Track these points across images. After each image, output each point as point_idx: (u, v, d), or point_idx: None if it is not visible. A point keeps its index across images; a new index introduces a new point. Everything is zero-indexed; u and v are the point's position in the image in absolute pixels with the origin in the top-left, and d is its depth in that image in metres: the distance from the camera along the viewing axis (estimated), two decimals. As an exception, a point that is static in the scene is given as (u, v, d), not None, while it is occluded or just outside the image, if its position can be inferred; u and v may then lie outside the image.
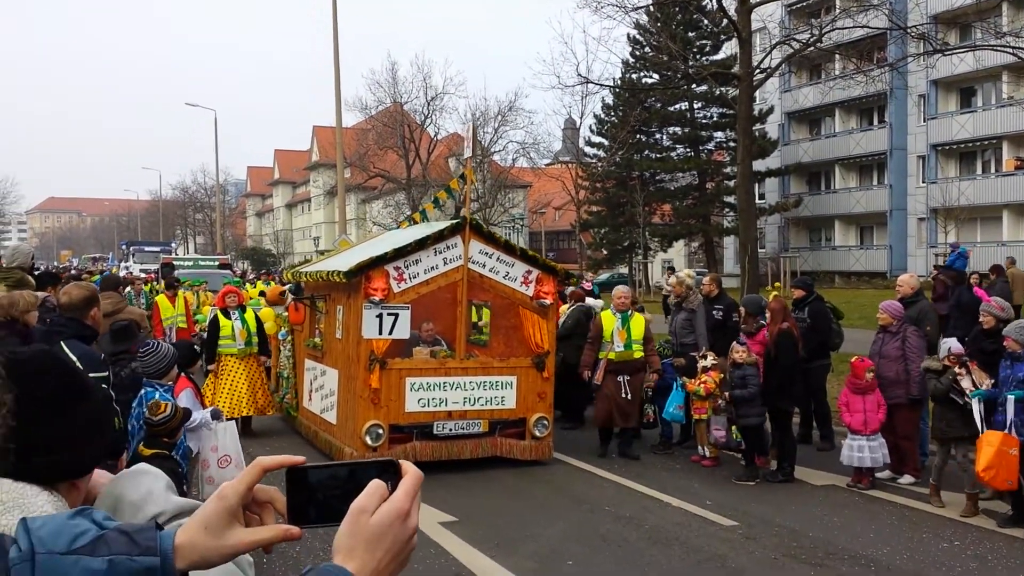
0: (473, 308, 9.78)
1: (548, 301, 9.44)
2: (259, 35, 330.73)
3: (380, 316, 8.68)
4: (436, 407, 8.95)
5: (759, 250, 26.86)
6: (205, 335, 12.17)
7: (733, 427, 9.28)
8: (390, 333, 8.75)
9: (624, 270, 48.10)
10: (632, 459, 9.63)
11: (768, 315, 9.27)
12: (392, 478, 1.13)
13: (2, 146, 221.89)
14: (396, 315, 8.75)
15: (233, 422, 6.99)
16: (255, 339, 11.16)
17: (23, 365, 1.35)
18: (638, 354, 9.72)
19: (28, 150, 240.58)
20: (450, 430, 8.98)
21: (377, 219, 52.86)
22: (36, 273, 9.07)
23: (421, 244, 8.87)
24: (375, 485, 1.11)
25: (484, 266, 9.14)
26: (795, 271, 38.77)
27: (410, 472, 1.13)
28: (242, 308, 11.33)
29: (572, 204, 44.61)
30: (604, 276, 45.69)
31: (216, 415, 6.77)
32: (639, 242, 43.64)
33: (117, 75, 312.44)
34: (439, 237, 8.95)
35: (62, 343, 4.89)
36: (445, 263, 9.01)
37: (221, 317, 11.11)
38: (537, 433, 9.27)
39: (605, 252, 47.92)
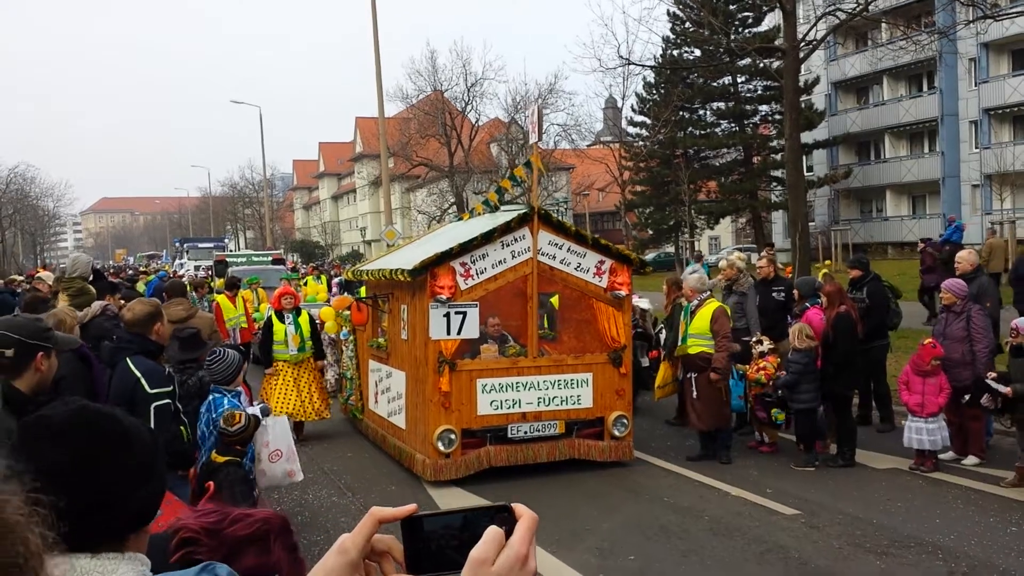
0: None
1: (623, 292, 8.92)
2: (300, 29, 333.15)
3: (447, 315, 8.32)
4: (509, 409, 8.53)
5: (808, 223, 26.41)
6: (260, 336, 11.89)
7: (773, 409, 9.16)
8: (458, 333, 8.39)
9: (671, 249, 47.73)
10: (724, 461, 8.94)
11: (824, 299, 9.12)
12: (507, 521, 1.14)
13: (56, 150, 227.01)
14: (464, 313, 8.38)
15: (284, 417, 7.06)
16: (309, 343, 10.86)
17: (56, 427, 1.37)
18: (693, 350, 9.09)
19: (80, 153, 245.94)
20: (525, 433, 8.55)
21: (421, 207, 53.09)
22: (95, 281, 9.29)
23: (487, 237, 8.43)
24: (493, 533, 1.11)
25: (554, 258, 8.70)
26: (846, 244, 38.16)
27: (525, 516, 1.13)
28: (297, 311, 11.01)
29: (616, 185, 44.29)
30: (651, 256, 45.40)
31: (265, 411, 6.88)
32: (685, 220, 43.24)
33: (165, 75, 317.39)
34: (506, 229, 8.51)
35: (128, 359, 5.03)
36: (513, 256, 8.58)
37: (275, 321, 10.83)
38: (616, 432, 8.78)
39: (651, 232, 47.56)
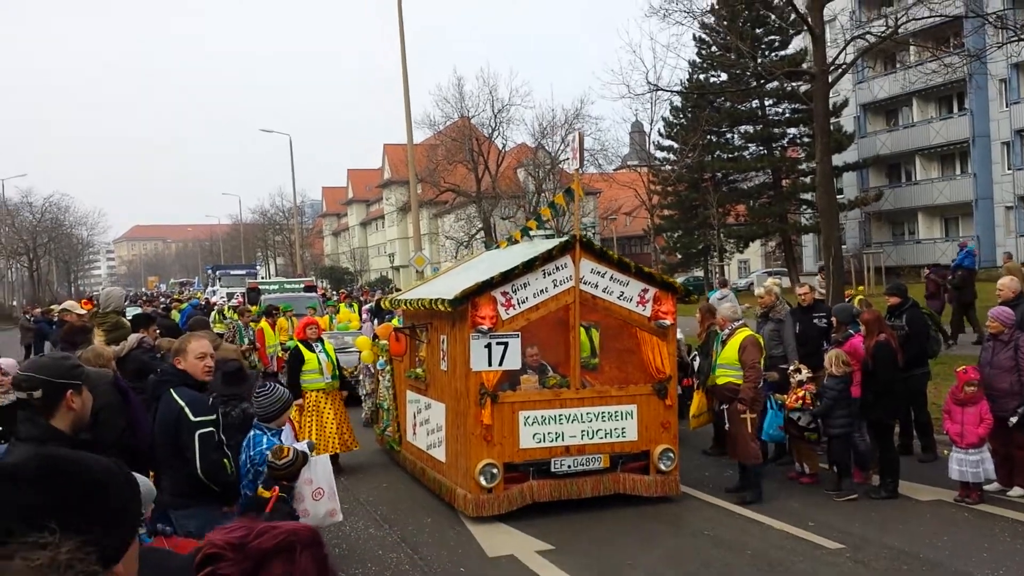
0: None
1: (668, 321, 8.70)
2: (328, 57, 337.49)
3: (489, 346, 8.13)
4: (553, 442, 8.31)
5: (841, 247, 26.21)
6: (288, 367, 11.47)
7: (805, 432, 9.03)
8: (500, 364, 8.19)
9: (700, 273, 47.51)
10: (747, 501, 8.56)
11: (863, 327, 9.01)
12: None
13: (90, 179, 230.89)
14: (506, 344, 8.19)
15: (327, 455, 7.07)
16: (337, 372, 10.83)
17: (16, 476, 1.39)
18: (721, 380, 8.91)
19: (113, 182, 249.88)
20: (569, 467, 8.32)
21: (449, 233, 53.33)
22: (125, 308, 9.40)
23: (529, 266, 8.25)
24: None
25: (596, 286, 8.49)
26: (878, 267, 37.75)
27: None
28: (320, 340, 10.97)
29: (643, 209, 44.27)
30: (679, 280, 45.14)
31: (310, 447, 6.88)
32: (714, 244, 43.06)
33: (196, 103, 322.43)
34: (548, 258, 8.33)
35: (171, 390, 5.07)
36: (555, 285, 8.39)
37: (304, 350, 10.70)
38: (662, 467, 8.54)
39: (679, 256, 47.41)
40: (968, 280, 17.17)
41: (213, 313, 22.32)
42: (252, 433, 5.68)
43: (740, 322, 9.08)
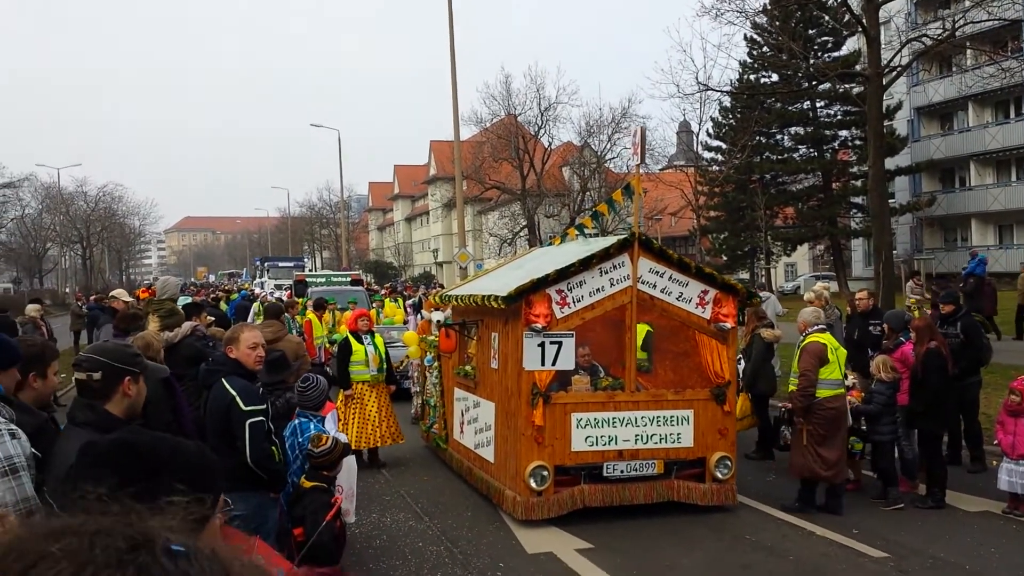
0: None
1: (728, 325, 8.40)
2: (378, 53, 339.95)
3: (542, 345, 7.93)
4: (605, 446, 8.08)
5: (892, 253, 25.80)
6: (337, 357, 11.70)
7: (852, 437, 8.76)
8: (553, 364, 7.98)
9: (745, 275, 47.02)
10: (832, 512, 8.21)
11: (913, 334, 8.86)
12: None
13: (143, 170, 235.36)
14: (560, 343, 7.98)
15: (352, 456, 7.05)
16: (385, 365, 10.90)
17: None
18: (791, 387, 8.51)
19: (166, 173, 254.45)
20: (621, 472, 8.09)
21: (493, 230, 53.45)
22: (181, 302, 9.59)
23: (585, 264, 8.01)
24: None
25: (655, 286, 8.25)
26: (929, 273, 37.01)
27: None
28: (372, 333, 11.11)
29: (688, 210, 43.90)
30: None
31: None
32: (761, 247, 42.56)
33: (248, 100, 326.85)
34: (605, 255, 8.08)
35: (223, 379, 5.17)
36: (612, 284, 8.13)
37: (353, 341, 10.85)
38: (719, 475, 8.29)
39: (725, 258, 46.95)
40: (979, 288, 17.22)
41: (255, 304, 22.58)
42: (298, 421, 5.80)
43: (818, 327, 8.56)
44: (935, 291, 17.96)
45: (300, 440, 5.73)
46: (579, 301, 8.08)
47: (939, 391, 8.46)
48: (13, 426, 3.13)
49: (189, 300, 11.37)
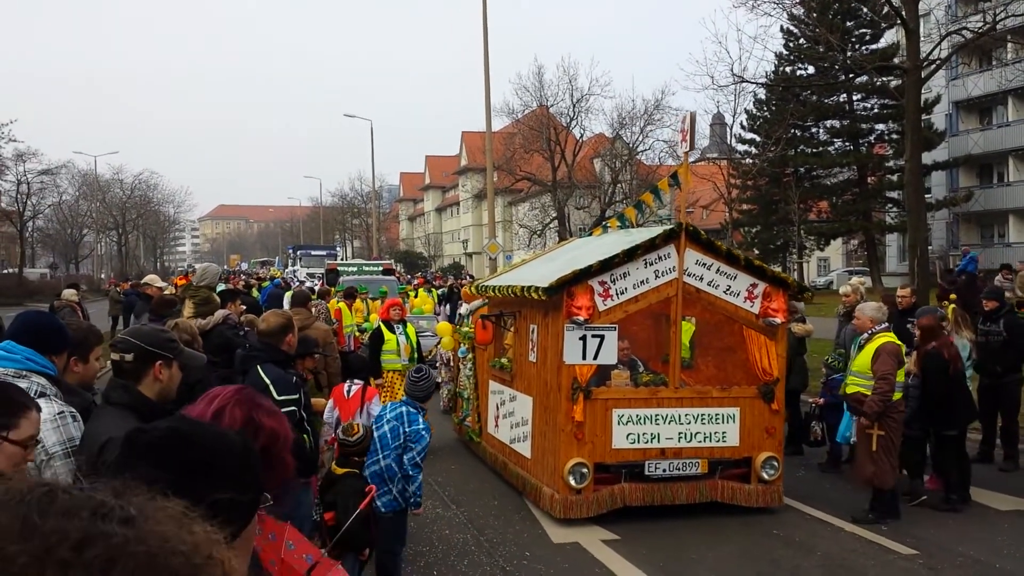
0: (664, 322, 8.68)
1: (778, 320, 8.08)
2: (411, 44, 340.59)
3: (584, 338, 7.66)
4: (647, 444, 7.83)
5: (927, 248, 25.47)
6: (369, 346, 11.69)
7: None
8: (595, 358, 7.72)
9: (777, 269, 46.58)
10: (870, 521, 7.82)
11: (917, 332, 8.61)
12: None
13: (178, 159, 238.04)
14: (602, 337, 7.70)
15: None
16: (416, 355, 10.93)
17: (153, 443, 1.43)
18: (850, 389, 8.05)
19: (200, 162, 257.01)
20: (664, 470, 7.83)
21: (523, 221, 53.41)
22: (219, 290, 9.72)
23: (630, 255, 7.73)
24: None
25: (701, 279, 7.96)
26: (947, 268, 36.44)
27: None
28: (404, 322, 11.18)
29: (721, 203, 43.56)
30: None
31: None
32: (794, 241, 42.17)
33: (282, 89, 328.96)
34: (650, 247, 7.81)
35: (258, 367, 5.25)
36: (657, 276, 7.85)
37: (385, 330, 10.92)
38: (765, 475, 8.01)
39: (757, 252, 46.56)
40: (971, 284, 17.31)
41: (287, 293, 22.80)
42: (405, 410, 5.89)
43: (883, 325, 8.10)
44: (942, 286, 17.76)
45: (407, 430, 5.80)
46: (622, 293, 7.83)
47: (940, 396, 8.24)
48: (73, 409, 3.21)
49: (224, 287, 11.51)
